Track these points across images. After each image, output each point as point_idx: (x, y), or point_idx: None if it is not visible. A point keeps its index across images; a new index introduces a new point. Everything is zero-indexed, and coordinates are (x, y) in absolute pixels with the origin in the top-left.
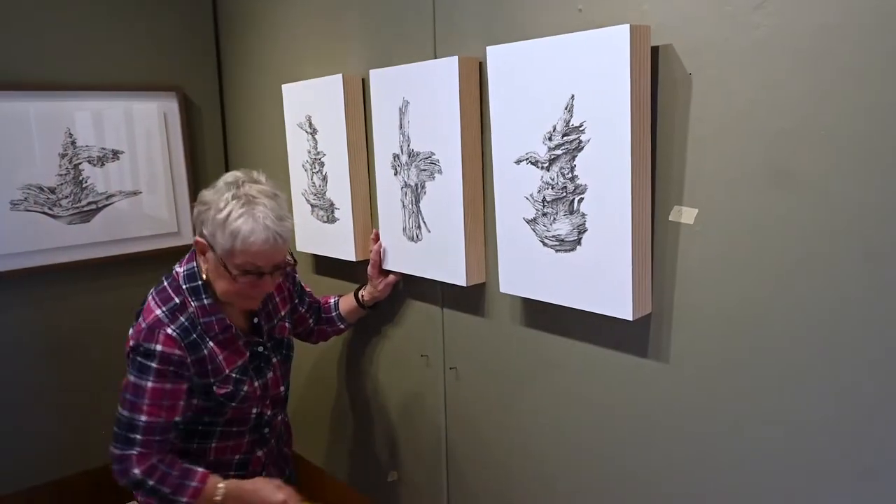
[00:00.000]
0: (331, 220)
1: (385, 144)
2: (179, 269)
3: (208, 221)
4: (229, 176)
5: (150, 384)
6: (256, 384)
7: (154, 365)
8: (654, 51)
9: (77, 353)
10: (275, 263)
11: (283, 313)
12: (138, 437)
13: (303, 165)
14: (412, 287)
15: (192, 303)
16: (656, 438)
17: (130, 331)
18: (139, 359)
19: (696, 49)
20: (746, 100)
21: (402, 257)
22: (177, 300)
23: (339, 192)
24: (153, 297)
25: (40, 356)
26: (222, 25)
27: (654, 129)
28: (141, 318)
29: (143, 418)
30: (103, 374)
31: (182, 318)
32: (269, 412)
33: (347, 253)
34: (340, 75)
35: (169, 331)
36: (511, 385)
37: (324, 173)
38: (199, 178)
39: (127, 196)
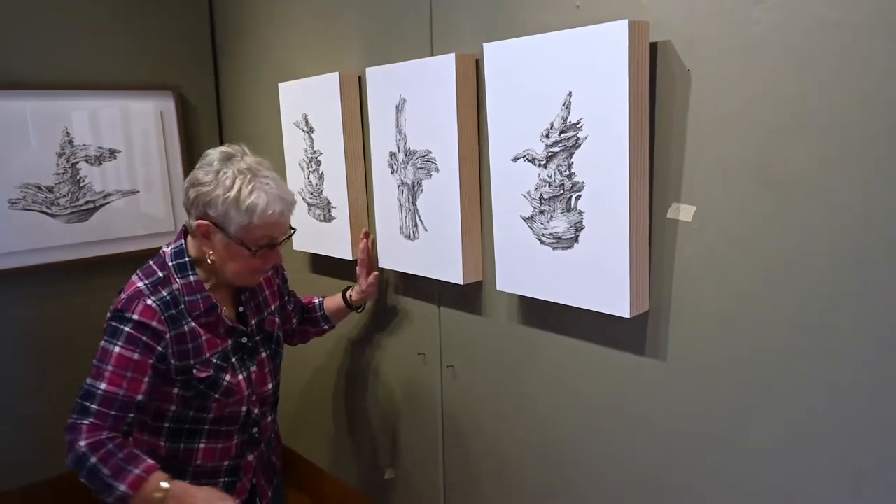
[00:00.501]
0: (327, 218)
1: (382, 142)
2: (167, 249)
3: (217, 202)
4: (217, 153)
5: (117, 349)
6: (240, 377)
7: (127, 329)
8: (653, 47)
9: (74, 351)
10: (283, 231)
11: (272, 307)
12: (94, 406)
13: (299, 164)
14: (409, 285)
15: (176, 279)
16: (654, 435)
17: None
18: (113, 323)
19: (695, 45)
20: (745, 96)
21: (398, 256)
22: (160, 274)
23: (336, 190)
24: (137, 273)
25: (38, 354)
26: (219, 25)
27: (653, 125)
28: (122, 291)
29: (103, 387)
30: None
31: (164, 292)
32: (256, 410)
33: (344, 252)
34: (337, 73)
35: (149, 302)
36: (507, 383)
37: (320, 172)
38: None
39: (124, 195)
